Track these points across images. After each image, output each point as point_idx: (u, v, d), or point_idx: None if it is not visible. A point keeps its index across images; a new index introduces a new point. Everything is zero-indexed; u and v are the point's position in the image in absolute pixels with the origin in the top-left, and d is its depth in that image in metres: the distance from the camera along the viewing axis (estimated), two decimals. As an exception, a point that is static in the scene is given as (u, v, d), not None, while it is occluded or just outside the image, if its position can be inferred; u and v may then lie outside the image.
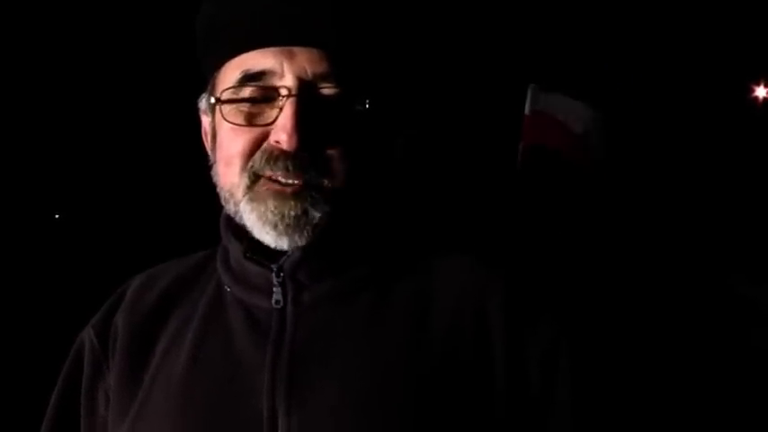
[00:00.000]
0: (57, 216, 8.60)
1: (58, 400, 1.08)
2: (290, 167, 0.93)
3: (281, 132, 0.91)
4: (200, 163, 1.09)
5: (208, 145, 1.05)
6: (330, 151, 0.94)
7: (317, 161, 0.93)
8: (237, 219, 0.98)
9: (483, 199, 5.07)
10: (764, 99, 9.34)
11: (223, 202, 1.01)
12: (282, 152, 0.92)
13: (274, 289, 0.97)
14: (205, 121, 1.05)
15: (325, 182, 0.94)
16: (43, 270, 6.57)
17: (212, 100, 0.98)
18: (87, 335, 1.08)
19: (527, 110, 6.03)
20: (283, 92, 0.92)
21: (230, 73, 0.97)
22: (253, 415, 0.92)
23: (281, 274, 0.97)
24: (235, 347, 0.97)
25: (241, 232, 0.99)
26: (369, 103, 0.95)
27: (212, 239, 1.13)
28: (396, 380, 0.92)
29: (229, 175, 0.97)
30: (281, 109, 0.92)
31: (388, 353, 0.94)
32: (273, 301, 0.97)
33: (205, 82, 1.03)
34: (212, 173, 1.03)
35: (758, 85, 9.39)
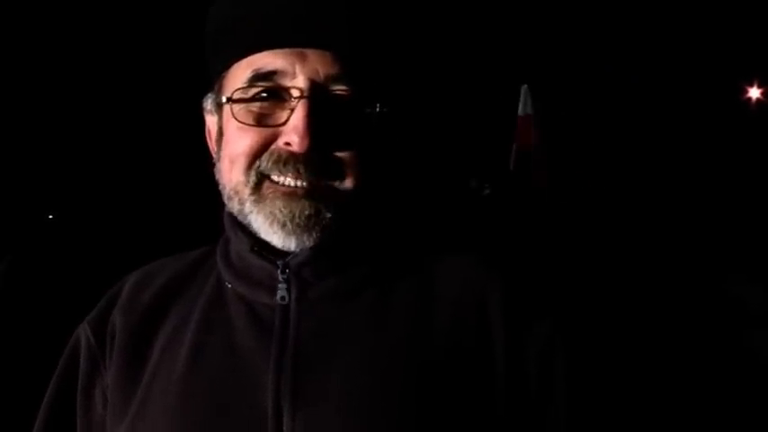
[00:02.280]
0: (50, 216, 8.59)
1: (53, 398, 1.06)
2: (301, 170, 0.91)
3: (293, 134, 0.90)
4: (194, 162, 1.08)
5: (212, 144, 1.04)
6: (341, 154, 0.93)
7: (327, 163, 0.92)
8: (241, 218, 0.97)
9: (481, 199, 5.08)
10: (758, 100, 9.39)
11: (226, 200, 0.99)
12: (293, 155, 0.91)
13: (279, 285, 0.96)
14: (210, 120, 1.04)
15: (336, 183, 0.93)
16: (36, 269, 6.55)
17: (223, 99, 0.97)
18: (83, 332, 1.06)
19: (519, 111, 6.05)
20: (295, 93, 0.91)
21: (240, 72, 0.95)
22: (257, 412, 0.91)
23: (287, 271, 0.95)
24: (237, 344, 0.96)
25: (246, 228, 0.98)
26: (380, 106, 0.93)
27: (208, 237, 1.12)
28: (399, 377, 0.92)
29: (234, 172, 0.95)
30: (292, 110, 0.91)
31: (391, 350, 0.93)
32: (278, 297, 0.96)
33: (209, 82, 1.02)
34: (215, 170, 1.01)
35: (751, 86, 9.44)
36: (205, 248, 1.11)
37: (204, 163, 1.05)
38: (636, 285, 5.30)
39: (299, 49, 0.92)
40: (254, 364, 0.94)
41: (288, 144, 0.91)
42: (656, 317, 4.96)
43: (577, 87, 7.78)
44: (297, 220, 0.92)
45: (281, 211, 0.92)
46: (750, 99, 9.11)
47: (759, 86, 9.14)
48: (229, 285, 1.01)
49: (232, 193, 0.97)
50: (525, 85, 6.09)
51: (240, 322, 0.98)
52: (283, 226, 0.92)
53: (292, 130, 0.90)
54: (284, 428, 0.90)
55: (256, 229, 0.95)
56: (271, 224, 0.93)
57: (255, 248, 0.97)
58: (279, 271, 0.95)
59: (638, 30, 7.99)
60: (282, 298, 0.95)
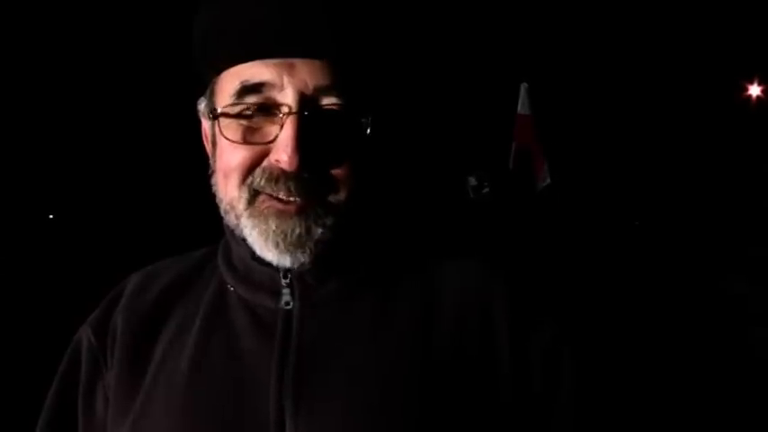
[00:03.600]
0: (50, 216, 8.58)
1: (55, 399, 1.05)
2: (292, 187, 0.90)
3: (282, 152, 0.89)
4: (193, 164, 1.08)
5: (208, 147, 1.02)
6: (332, 168, 0.92)
7: (319, 178, 0.91)
8: (238, 232, 0.96)
9: (480, 198, 5.07)
10: (758, 97, 9.37)
11: (223, 214, 0.98)
12: (283, 172, 0.90)
13: (283, 290, 0.96)
14: (205, 124, 1.03)
15: (329, 197, 0.92)
16: (37, 269, 6.55)
17: (210, 114, 0.96)
18: (85, 333, 1.06)
19: (518, 109, 6.05)
20: (284, 109, 0.89)
21: (229, 83, 0.93)
22: (259, 415, 0.91)
23: (289, 275, 0.95)
24: (239, 347, 0.96)
25: None
26: (370, 115, 0.92)
27: (208, 239, 1.12)
28: (403, 380, 0.92)
29: (229, 187, 0.94)
30: (281, 126, 0.89)
31: (394, 353, 0.93)
32: (283, 302, 0.96)
33: (203, 84, 1.01)
34: (212, 182, 1.00)
35: (752, 83, 9.43)
36: (207, 249, 1.10)
37: (204, 163, 1.04)
38: (638, 286, 5.30)
39: (288, 60, 0.90)
40: (257, 367, 0.93)
41: (278, 161, 0.90)
42: (659, 317, 4.97)
43: (577, 86, 7.77)
44: (289, 239, 0.91)
45: (274, 232, 0.91)
46: (750, 97, 9.10)
47: (759, 84, 9.13)
48: (231, 288, 1.01)
49: (228, 207, 0.96)
50: (525, 84, 6.09)
51: (242, 325, 0.97)
52: (276, 245, 0.92)
53: (282, 149, 0.88)
54: (286, 430, 0.90)
55: (251, 244, 0.94)
56: (265, 242, 0.92)
57: (256, 256, 0.96)
58: (281, 275, 0.96)
59: (639, 28, 7.97)
60: (287, 303, 0.95)
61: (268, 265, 0.96)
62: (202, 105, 1.01)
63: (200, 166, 1.05)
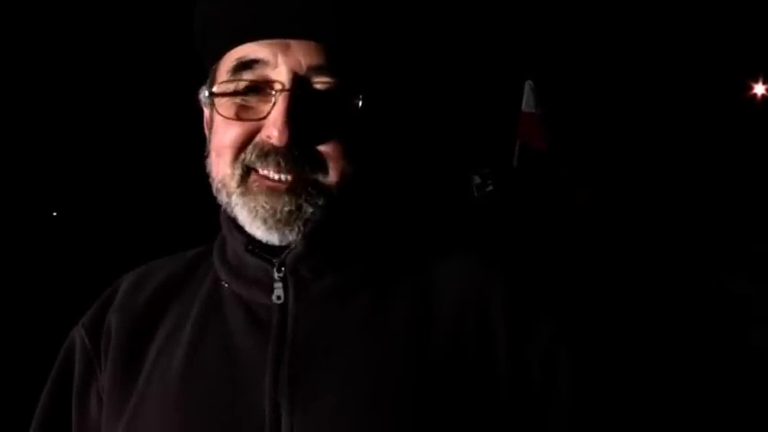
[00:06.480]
0: (54, 213, 8.61)
1: (48, 401, 1.05)
2: (281, 163, 0.91)
3: (273, 128, 0.90)
4: (194, 161, 1.07)
5: (207, 134, 1.03)
6: (323, 147, 0.92)
7: (309, 157, 0.92)
8: (229, 211, 0.96)
9: (483, 196, 5.07)
10: (763, 96, 9.34)
11: (215, 193, 0.98)
12: (274, 148, 0.91)
13: (275, 284, 0.95)
14: (206, 112, 1.04)
15: (320, 177, 0.92)
16: (40, 268, 6.57)
17: (206, 93, 0.98)
18: (78, 334, 1.05)
19: (523, 107, 6.04)
20: (277, 86, 0.91)
21: (225, 64, 0.95)
22: (254, 411, 0.91)
23: (283, 269, 0.95)
24: (234, 344, 0.96)
25: (241, 226, 0.97)
26: (364, 97, 0.92)
27: (206, 237, 1.11)
28: (398, 376, 0.91)
29: (221, 165, 0.95)
30: (274, 104, 0.90)
31: (389, 349, 0.93)
32: (275, 297, 0.95)
33: (204, 74, 1.02)
34: (206, 162, 1.00)
35: (756, 82, 9.40)
36: (201, 248, 1.10)
37: (202, 162, 1.04)
38: (639, 284, 5.29)
39: (283, 40, 0.91)
40: (252, 363, 0.93)
41: (269, 137, 0.91)
42: (660, 316, 4.96)
43: (581, 84, 7.76)
44: (278, 216, 0.91)
45: (263, 207, 0.92)
46: (755, 95, 9.08)
47: (764, 83, 9.11)
48: (226, 284, 1.00)
49: (220, 185, 0.96)
50: (529, 81, 6.09)
51: (237, 321, 0.97)
52: (264, 221, 0.92)
53: (272, 125, 0.89)
54: (282, 427, 0.89)
55: (242, 223, 0.95)
56: (253, 219, 0.93)
57: (250, 247, 0.96)
58: (275, 269, 0.95)
59: (644, 27, 7.95)
60: (279, 297, 0.95)
61: (262, 258, 0.96)
62: (202, 93, 1.02)
63: (200, 166, 1.05)
